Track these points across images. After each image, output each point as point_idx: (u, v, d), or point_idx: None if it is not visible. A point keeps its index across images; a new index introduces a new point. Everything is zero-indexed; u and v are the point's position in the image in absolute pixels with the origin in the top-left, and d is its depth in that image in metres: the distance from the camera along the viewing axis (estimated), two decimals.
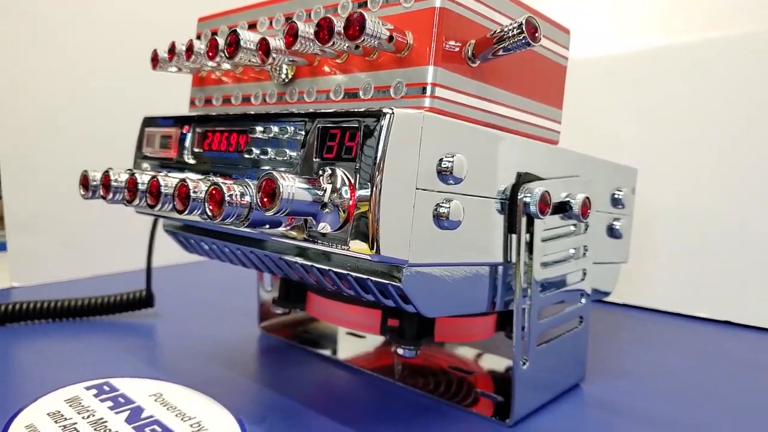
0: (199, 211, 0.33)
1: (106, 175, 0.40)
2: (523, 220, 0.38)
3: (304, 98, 0.39)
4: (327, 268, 0.35)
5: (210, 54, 0.42)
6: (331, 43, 0.33)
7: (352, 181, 0.30)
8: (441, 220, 0.32)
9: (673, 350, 0.59)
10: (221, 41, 0.41)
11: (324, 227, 0.31)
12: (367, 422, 0.40)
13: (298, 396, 0.44)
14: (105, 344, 0.54)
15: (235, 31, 0.37)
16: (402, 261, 0.31)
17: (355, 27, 0.32)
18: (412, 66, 0.33)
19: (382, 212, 0.30)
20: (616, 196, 0.50)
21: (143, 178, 0.37)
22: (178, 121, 0.44)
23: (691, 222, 0.70)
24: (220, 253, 0.45)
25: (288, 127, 0.35)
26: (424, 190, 0.31)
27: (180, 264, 0.87)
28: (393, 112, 0.30)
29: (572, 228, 0.44)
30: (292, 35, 0.34)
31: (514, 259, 0.39)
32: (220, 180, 0.32)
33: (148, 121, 0.47)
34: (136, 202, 0.38)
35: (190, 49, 0.42)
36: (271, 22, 0.43)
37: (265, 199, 0.29)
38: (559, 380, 0.46)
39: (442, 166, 0.32)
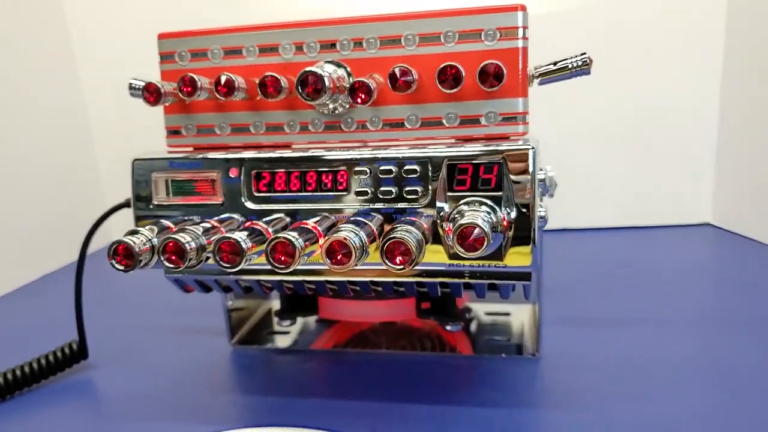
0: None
1: (172, 242, 0.35)
2: None
3: (368, 127, 0.40)
4: (457, 281, 0.40)
5: (223, 90, 0.39)
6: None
7: (498, 208, 0.36)
8: (541, 222, 0.40)
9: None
10: (238, 80, 0.39)
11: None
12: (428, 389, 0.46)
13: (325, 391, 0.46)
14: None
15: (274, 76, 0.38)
16: (538, 265, 0.38)
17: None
18: (503, 98, 0.38)
19: (535, 230, 0.36)
20: None
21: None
22: (214, 162, 0.40)
23: None
24: (270, 287, 0.45)
25: (391, 164, 0.38)
26: (540, 205, 0.38)
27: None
28: (535, 149, 0.36)
29: None
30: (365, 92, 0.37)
31: None
32: (401, 233, 0.33)
33: (150, 165, 0.41)
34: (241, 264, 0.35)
35: (195, 86, 0.39)
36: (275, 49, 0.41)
37: (473, 243, 0.33)
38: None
39: (540, 179, 0.39)
